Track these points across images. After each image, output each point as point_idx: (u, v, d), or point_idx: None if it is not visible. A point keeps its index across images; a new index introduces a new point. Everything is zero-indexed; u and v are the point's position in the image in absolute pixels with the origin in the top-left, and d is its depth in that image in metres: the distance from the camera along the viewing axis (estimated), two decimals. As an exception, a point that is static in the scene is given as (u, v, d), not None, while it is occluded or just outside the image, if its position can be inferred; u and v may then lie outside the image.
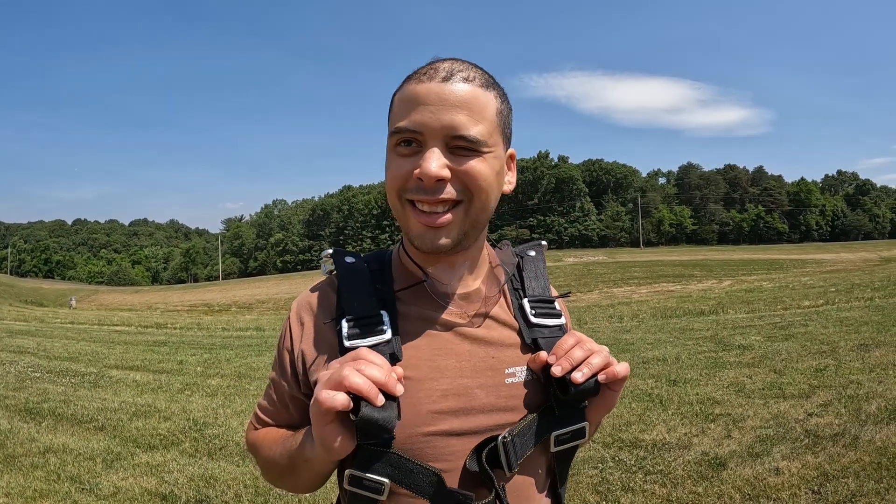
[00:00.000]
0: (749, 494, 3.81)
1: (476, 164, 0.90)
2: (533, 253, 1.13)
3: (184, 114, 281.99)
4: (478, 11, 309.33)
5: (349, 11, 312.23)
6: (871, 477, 3.85)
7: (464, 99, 0.89)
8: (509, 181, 1.01)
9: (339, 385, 0.79)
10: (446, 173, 0.88)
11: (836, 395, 5.65)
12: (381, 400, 0.81)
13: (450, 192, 0.89)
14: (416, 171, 0.88)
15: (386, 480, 0.86)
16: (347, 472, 0.87)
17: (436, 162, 0.87)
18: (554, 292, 1.11)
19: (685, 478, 4.15)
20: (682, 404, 5.87)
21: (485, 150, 0.90)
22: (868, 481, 3.79)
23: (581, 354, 0.92)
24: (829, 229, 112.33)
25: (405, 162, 0.90)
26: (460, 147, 0.89)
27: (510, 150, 1.00)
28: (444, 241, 0.92)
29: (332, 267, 1.04)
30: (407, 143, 0.90)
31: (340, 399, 0.78)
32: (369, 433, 0.82)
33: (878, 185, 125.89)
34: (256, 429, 1.09)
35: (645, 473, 4.29)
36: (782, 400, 5.71)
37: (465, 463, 0.92)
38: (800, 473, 4.02)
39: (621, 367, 0.93)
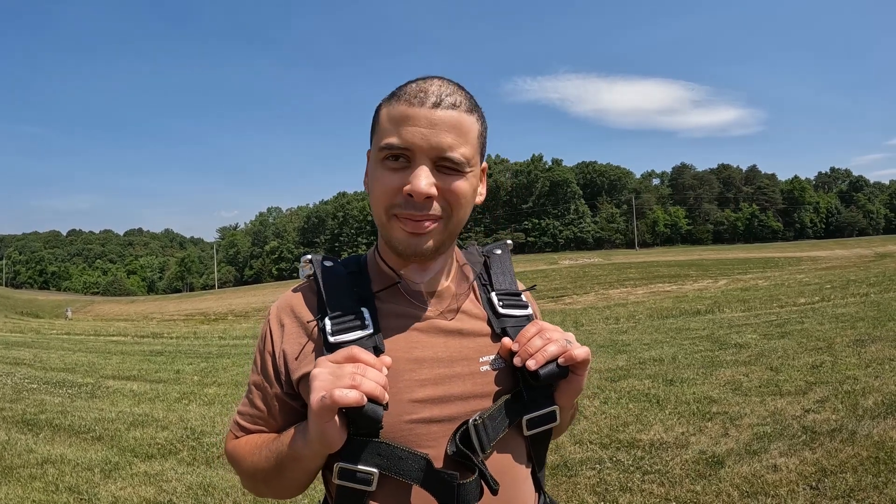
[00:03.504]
0: (747, 492, 3.82)
1: (460, 184, 0.97)
2: (499, 251, 1.21)
3: (177, 123, 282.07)
4: (472, 16, 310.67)
5: (343, 18, 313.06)
6: (868, 471, 3.86)
7: (451, 124, 0.95)
8: (481, 193, 1.08)
9: (351, 387, 0.84)
10: (434, 191, 0.94)
11: (833, 391, 5.66)
12: (387, 398, 0.88)
13: (435, 209, 0.96)
14: (406, 187, 0.94)
15: (375, 471, 0.91)
16: (338, 465, 0.91)
17: (425, 180, 0.93)
18: (521, 286, 1.19)
19: (683, 477, 4.16)
20: (678, 404, 5.88)
21: (467, 170, 0.98)
22: (866, 476, 3.80)
23: (540, 343, 0.98)
24: (823, 226, 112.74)
25: (393, 177, 0.95)
26: (446, 167, 0.96)
27: (483, 165, 1.08)
28: (426, 246, 0.98)
29: (311, 271, 1.08)
30: (395, 157, 0.95)
31: (354, 396, 0.83)
32: (362, 425, 0.88)
33: (872, 182, 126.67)
34: (237, 437, 1.11)
35: (643, 473, 4.29)
36: (779, 397, 5.73)
37: (446, 448, 0.97)
38: (797, 470, 4.03)
39: (580, 351, 0.98)
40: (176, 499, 4.50)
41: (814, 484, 3.80)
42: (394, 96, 0.99)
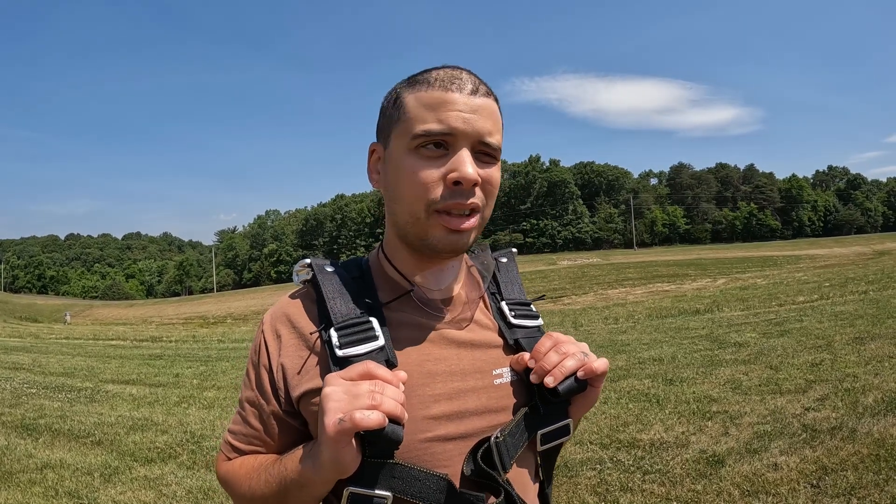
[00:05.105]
0: (748, 490, 3.82)
1: (494, 173, 0.94)
2: (505, 259, 1.16)
3: (175, 126, 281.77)
4: (470, 16, 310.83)
5: (340, 20, 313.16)
6: (869, 469, 3.86)
7: (489, 111, 0.92)
8: None
9: (371, 407, 0.77)
10: (479, 178, 0.90)
11: (833, 389, 5.66)
12: (406, 417, 0.82)
13: (479, 196, 0.91)
14: (453, 174, 0.88)
15: (389, 494, 0.84)
16: (348, 490, 0.83)
17: (471, 165, 0.88)
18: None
19: (684, 476, 4.16)
20: (678, 403, 5.88)
21: (499, 159, 0.95)
22: (867, 473, 3.80)
23: (556, 358, 0.93)
24: (821, 224, 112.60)
25: (433, 167, 0.89)
26: (484, 153, 0.92)
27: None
28: (465, 242, 0.93)
29: (308, 277, 1.01)
30: (435, 145, 0.89)
31: (376, 418, 0.76)
32: (380, 447, 0.82)
33: (870, 179, 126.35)
34: (229, 459, 1.02)
35: (643, 473, 4.29)
36: (779, 395, 5.73)
37: (462, 467, 0.91)
38: (798, 468, 4.03)
39: (599, 364, 0.95)
40: (176, 503, 4.50)
41: (815, 482, 3.80)
42: (421, 83, 0.93)
